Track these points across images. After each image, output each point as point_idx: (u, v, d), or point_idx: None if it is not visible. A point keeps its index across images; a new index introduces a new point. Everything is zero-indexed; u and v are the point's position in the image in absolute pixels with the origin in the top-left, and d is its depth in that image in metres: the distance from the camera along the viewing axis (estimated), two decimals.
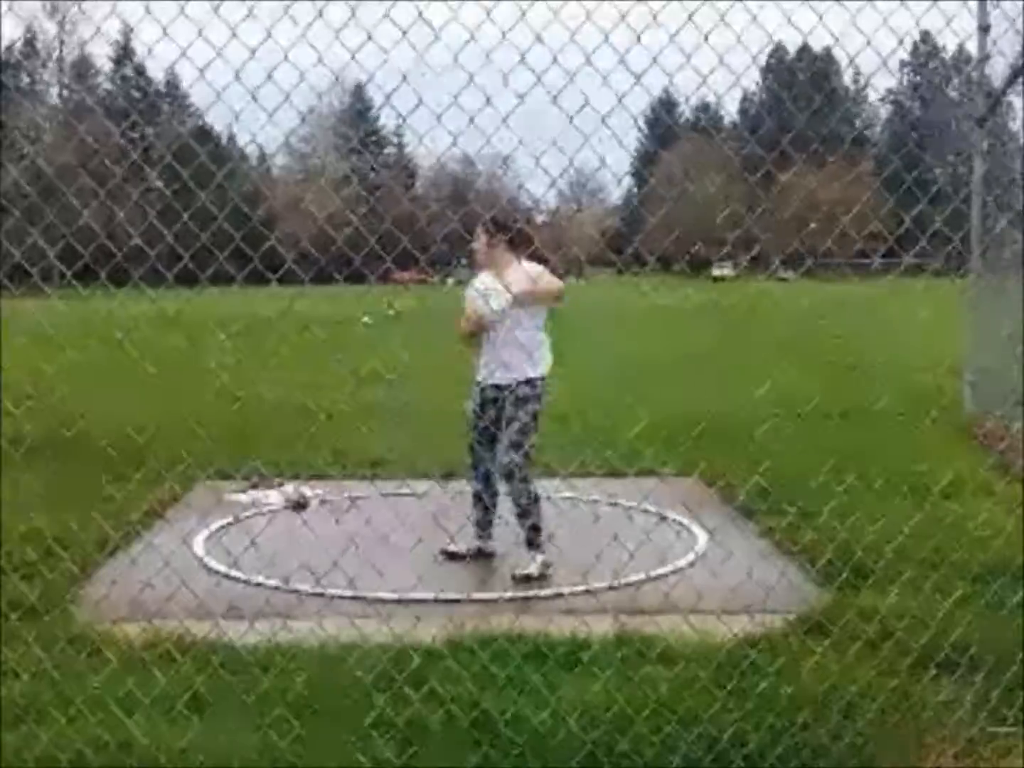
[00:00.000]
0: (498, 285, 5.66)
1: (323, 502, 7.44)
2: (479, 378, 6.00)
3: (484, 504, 6.14)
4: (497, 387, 5.90)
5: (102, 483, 6.97)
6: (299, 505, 7.41)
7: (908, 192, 4.28)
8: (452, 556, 6.08)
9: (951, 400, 10.01)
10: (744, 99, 74.41)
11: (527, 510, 5.87)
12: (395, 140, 71.46)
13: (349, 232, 4.18)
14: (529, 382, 5.85)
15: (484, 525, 6.19)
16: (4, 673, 4.08)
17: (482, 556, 6.19)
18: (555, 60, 3.31)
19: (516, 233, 5.86)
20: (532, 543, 5.90)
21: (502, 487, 5.98)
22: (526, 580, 5.75)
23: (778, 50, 56.08)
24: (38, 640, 4.25)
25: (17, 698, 3.87)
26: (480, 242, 5.92)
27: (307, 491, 7.69)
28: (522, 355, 5.72)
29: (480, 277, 5.95)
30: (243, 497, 7.70)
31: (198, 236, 3.60)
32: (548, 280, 5.82)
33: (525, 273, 5.73)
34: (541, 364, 5.90)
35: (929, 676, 3.95)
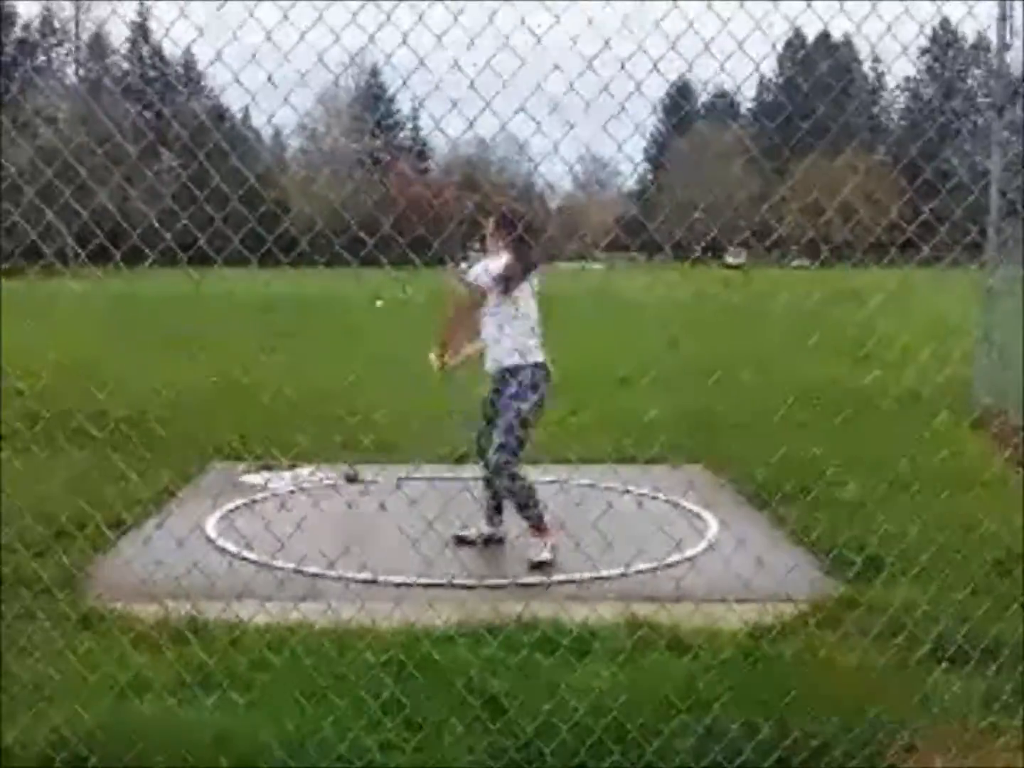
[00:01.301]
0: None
1: (334, 485, 7.44)
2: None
3: (493, 489, 6.13)
4: (492, 375, 5.97)
5: (116, 463, 7.01)
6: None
7: (926, 181, 4.25)
8: (463, 541, 6.09)
9: (965, 392, 9.96)
10: (761, 86, 73.93)
11: (523, 503, 5.86)
12: (411, 124, 71.31)
13: (363, 214, 4.17)
14: (511, 372, 5.81)
15: (494, 510, 6.21)
16: (17, 651, 4.10)
17: (492, 542, 6.19)
18: (574, 44, 3.28)
19: (514, 229, 5.79)
20: (536, 530, 5.89)
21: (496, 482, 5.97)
22: (541, 567, 5.75)
23: (797, 37, 55.68)
24: (50, 619, 4.28)
25: (29, 677, 3.89)
26: (489, 231, 6.00)
27: (320, 474, 7.71)
28: (505, 344, 5.75)
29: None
30: (256, 479, 7.72)
31: (212, 217, 3.59)
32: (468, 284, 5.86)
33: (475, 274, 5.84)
34: (527, 354, 5.80)
35: (940, 669, 3.94)
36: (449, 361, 6.05)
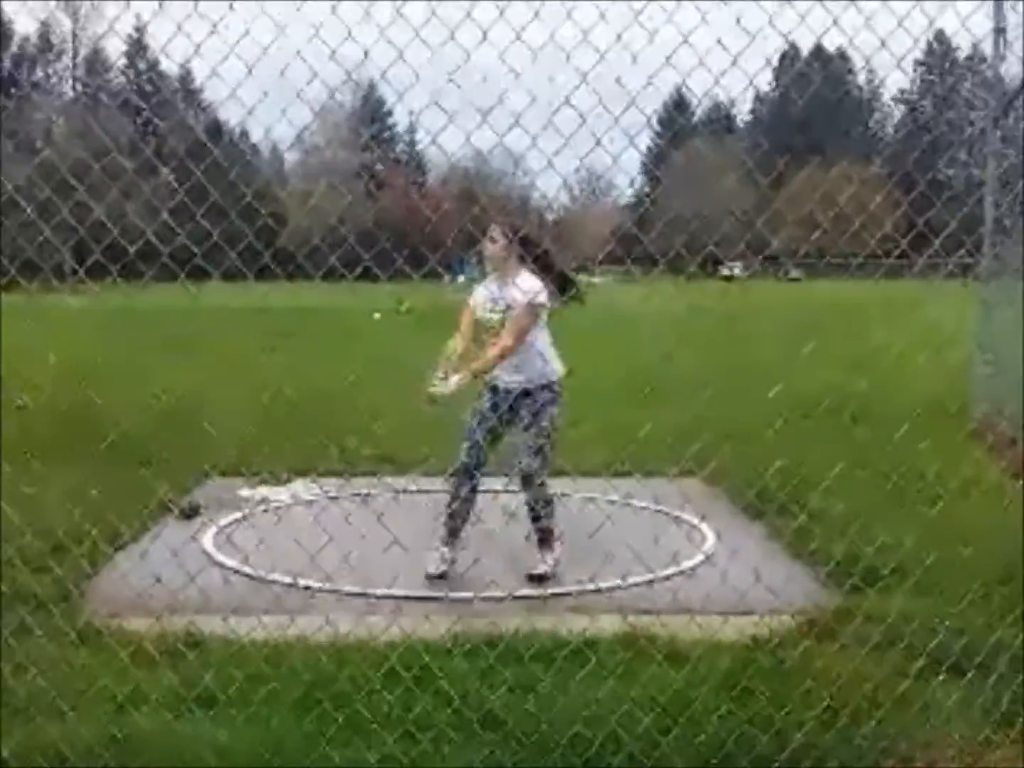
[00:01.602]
0: (452, 374, 5.70)
1: (332, 498, 7.43)
2: (496, 382, 5.91)
3: (465, 510, 5.90)
4: (510, 391, 5.82)
5: (113, 477, 7.00)
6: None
7: (922, 193, 4.27)
8: (439, 577, 5.83)
9: (961, 402, 9.96)
10: (756, 99, 74.22)
11: (541, 514, 5.85)
12: (407, 138, 71.56)
13: (361, 228, 4.19)
14: (547, 386, 5.83)
15: (457, 534, 5.94)
16: (14, 667, 4.09)
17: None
18: (568, 59, 3.30)
19: (529, 242, 5.81)
20: (544, 543, 5.90)
21: (523, 494, 5.89)
22: (539, 580, 5.76)
23: (792, 49, 55.84)
24: (47, 634, 4.27)
25: (26, 692, 3.88)
26: (496, 245, 5.84)
27: (315, 487, 7.70)
28: (538, 359, 5.76)
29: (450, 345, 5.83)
30: (252, 493, 7.71)
31: (210, 232, 3.61)
32: (520, 316, 5.72)
33: (521, 293, 5.65)
34: (556, 365, 5.90)
35: (938, 680, 3.94)
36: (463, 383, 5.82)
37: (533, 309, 5.72)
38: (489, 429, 5.91)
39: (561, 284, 5.94)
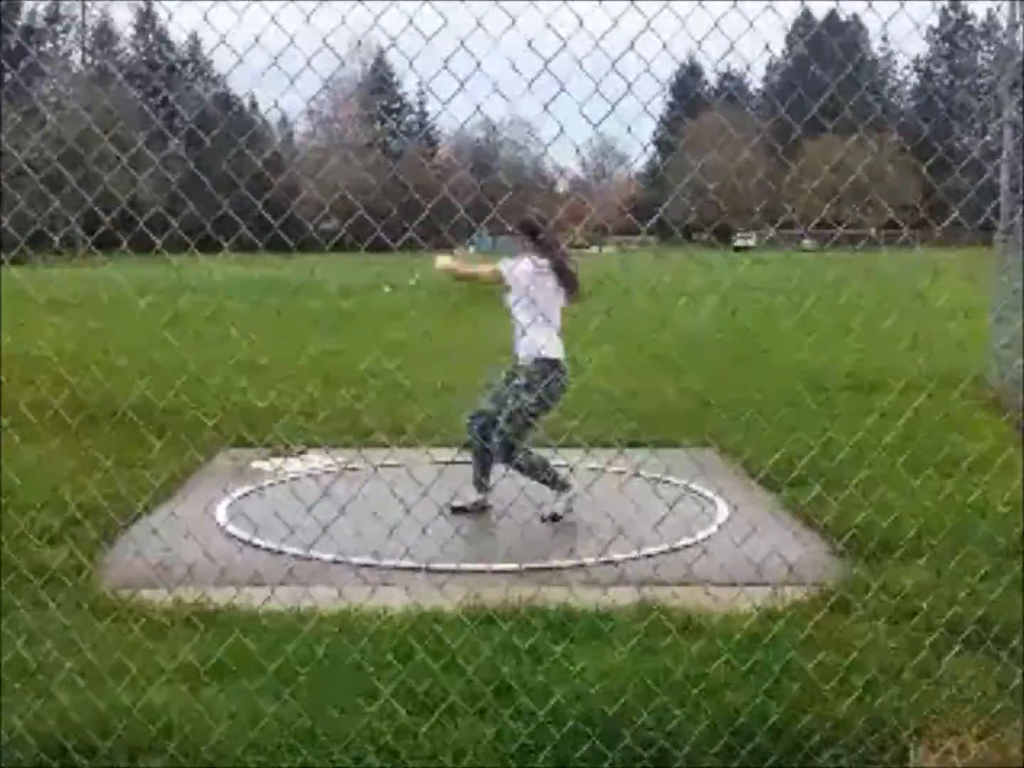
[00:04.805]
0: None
1: (345, 470, 7.42)
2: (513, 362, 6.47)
3: (481, 460, 6.54)
4: (518, 366, 6.40)
5: (125, 451, 7.01)
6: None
7: (939, 161, 4.20)
8: (458, 510, 6.37)
9: (978, 374, 9.89)
10: (770, 67, 73.63)
11: (533, 472, 6.28)
12: (417, 107, 71.21)
13: (371, 200, 4.14)
14: (540, 361, 6.25)
15: (481, 477, 6.60)
16: (27, 639, 4.10)
17: (483, 508, 6.58)
18: (581, 24, 3.24)
19: (535, 232, 6.37)
20: (552, 487, 6.31)
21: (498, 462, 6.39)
22: (554, 519, 6.21)
23: (805, 17, 55.18)
24: (61, 606, 4.28)
25: (40, 664, 3.89)
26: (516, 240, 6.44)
27: (328, 460, 7.70)
28: (540, 337, 6.19)
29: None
30: (265, 465, 7.71)
31: (219, 204, 3.57)
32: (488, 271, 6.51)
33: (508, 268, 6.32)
34: (554, 349, 6.31)
35: (953, 652, 3.91)
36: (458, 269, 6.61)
37: (500, 274, 6.34)
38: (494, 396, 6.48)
39: (559, 271, 6.36)
